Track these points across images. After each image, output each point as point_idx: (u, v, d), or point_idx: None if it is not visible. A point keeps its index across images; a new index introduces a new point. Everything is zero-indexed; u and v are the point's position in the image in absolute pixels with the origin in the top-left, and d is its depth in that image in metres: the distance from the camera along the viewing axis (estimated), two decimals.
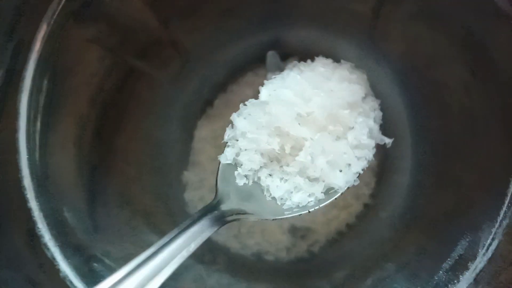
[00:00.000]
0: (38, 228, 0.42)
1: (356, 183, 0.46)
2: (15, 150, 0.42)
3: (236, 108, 0.69)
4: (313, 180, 0.45)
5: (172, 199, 0.65)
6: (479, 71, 0.46)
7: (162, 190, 0.64)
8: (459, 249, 0.42)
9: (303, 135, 0.44)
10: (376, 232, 0.61)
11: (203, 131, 0.70)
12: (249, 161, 0.45)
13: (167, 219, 0.60)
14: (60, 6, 0.44)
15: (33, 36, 0.43)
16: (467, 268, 0.40)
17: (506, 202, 0.39)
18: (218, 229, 0.40)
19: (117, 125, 0.56)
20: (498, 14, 0.41)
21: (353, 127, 0.47)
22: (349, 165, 0.45)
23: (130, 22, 0.54)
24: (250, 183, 0.45)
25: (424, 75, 0.57)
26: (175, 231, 0.38)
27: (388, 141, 0.50)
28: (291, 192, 0.45)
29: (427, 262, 0.46)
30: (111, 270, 0.45)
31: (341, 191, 0.46)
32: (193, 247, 0.37)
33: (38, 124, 0.44)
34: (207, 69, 0.68)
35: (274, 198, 0.45)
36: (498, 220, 0.39)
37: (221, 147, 0.67)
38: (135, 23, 0.55)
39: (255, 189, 0.46)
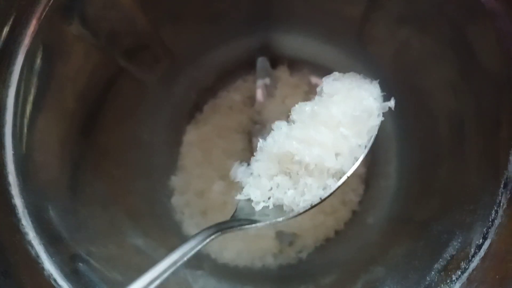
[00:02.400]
0: (22, 225, 0.41)
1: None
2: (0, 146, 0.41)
3: (224, 113, 0.69)
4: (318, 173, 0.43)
5: (158, 202, 0.64)
6: (467, 72, 0.47)
7: (148, 193, 0.63)
8: (451, 250, 0.42)
9: None
10: (364, 237, 0.61)
11: (191, 136, 0.69)
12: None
13: (152, 222, 0.59)
14: (50, 2, 0.43)
15: (22, 31, 0.42)
16: (459, 268, 0.39)
17: (498, 201, 0.39)
18: (219, 235, 0.40)
19: (104, 125, 0.55)
20: (484, 13, 0.41)
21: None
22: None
23: (119, 22, 0.53)
24: (271, 206, 0.44)
25: (411, 79, 0.57)
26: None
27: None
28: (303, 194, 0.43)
29: (417, 263, 0.45)
30: (95, 270, 0.44)
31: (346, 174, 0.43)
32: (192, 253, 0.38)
33: (25, 120, 0.43)
34: (196, 73, 0.68)
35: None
36: (490, 220, 0.39)
37: (210, 150, 0.67)
38: (124, 23, 0.54)
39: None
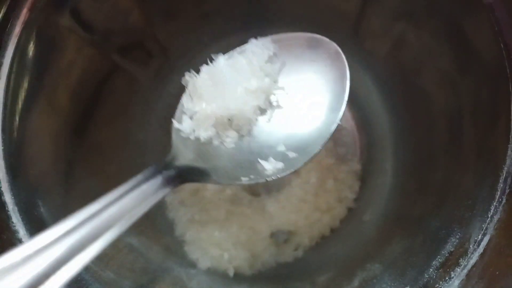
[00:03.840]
0: (12, 222, 0.40)
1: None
2: None
3: None
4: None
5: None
6: (464, 66, 0.46)
7: None
8: (449, 246, 0.41)
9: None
10: (360, 234, 0.60)
11: None
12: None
13: (145, 220, 0.58)
14: None
15: (13, 22, 0.41)
16: (458, 265, 0.39)
17: (497, 196, 0.39)
18: (171, 190, 0.37)
19: (97, 122, 0.55)
20: (481, 5, 0.41)
21: None
22: None
23: (112, 17, 0.53)
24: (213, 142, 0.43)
25: (408, 75, 0.57)
26: (123, 187, 0.34)
27: None
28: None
29: (415, 260, 0.45)
30: (88, 269, 0.43)
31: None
32: (142, 209, 0.33)
33: (16, 114, 0.42)
34: (189, 70, 0.67)
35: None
36: (489, 215, 0.39)
37: None
38: (117, 18, 0.54)
39: (213, 149, 0.44)
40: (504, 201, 0.38)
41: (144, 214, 0.33)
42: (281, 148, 0.43)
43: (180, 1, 0.59)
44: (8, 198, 0.40)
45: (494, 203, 0.39)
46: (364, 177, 0.66)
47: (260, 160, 0.42)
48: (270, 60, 0.46)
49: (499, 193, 0.39)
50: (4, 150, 0.41)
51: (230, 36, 0.67)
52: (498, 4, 0.40)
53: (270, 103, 0.46)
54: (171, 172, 0.38)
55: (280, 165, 0.41)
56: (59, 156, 0.49)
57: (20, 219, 0.40)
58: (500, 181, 0.39)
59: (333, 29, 0.62)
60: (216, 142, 0.43)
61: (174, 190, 0.65)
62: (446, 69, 0.49)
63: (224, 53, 0.67)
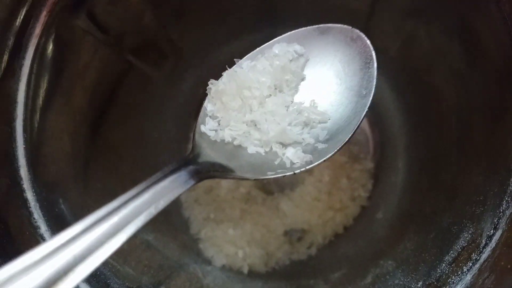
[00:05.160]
0: (34, 219, 0.41)
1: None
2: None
3: None
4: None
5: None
6: (473, 61, 0.46)
7: None
8: (462, 241, 0.42)
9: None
10: (374, 232, 0.60)
11: None
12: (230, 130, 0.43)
13: (161, 218, 0.59)
14: None
15: (33, 24, 0.42)
16: (471, 259, 0.39)
17: (508, 191, 0.39)
18: (193, 185, 0.36)
19: (113, 121, 0.56)
20: (489, 2, 0.41)
21: None
22: None
23: (127, 18, 0.54)
24: (236, 142, 0.42)
25: (419, 72, 0.57)
26: (143, 184, 0.34)
27: None
28: (284, 147, 0.42)
29: (427, 256, 0.45)
30: (106, 264, 0.44)
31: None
32: (162, 203, 0.33)
33: (36, 114, 0.44)
34: (203, 69, 0.68)
35: (260, 153, 0.42)
36: (501, 210, 0.39)
37: None
38: (132, 20, 0.55)
39: (236, 149, 0.43)
40: None
41: (165, 207, 0.33)
42: (310, 140, 0.42)
43: (193, 2, 0.59)
44: (30, 195, 0.42)
45: (506, 198, 0.39)
46: (377, 175, 0.66)
47: (287, 155, 0.41)
48: (293, 58, 0.46)
49: (510, 187, 0.39)
50: (26, 149, 0.42)
51: (242, 35, 0.68)
52: (506, 0, 0.40)
53: (294, 100, 0.45)
54: (191, 169, 0.37)
55: (308, 157, 0.41)
56: (77, 154, 0.50)
57: (41, 215, 0.42)
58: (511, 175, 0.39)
59: None
60: (240, 142, 0.43)
61: (189, 189, 0.66)
62: (455, 65, 0.49)
63: (238, 53, 0.68)
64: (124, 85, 0.57)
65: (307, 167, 0.40)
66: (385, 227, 0.59)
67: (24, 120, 0.42)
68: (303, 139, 0.42)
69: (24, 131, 0.42)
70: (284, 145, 0.42)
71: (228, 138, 0.43)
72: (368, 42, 0.44)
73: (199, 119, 0.44)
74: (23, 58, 0.42)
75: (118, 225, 0.30)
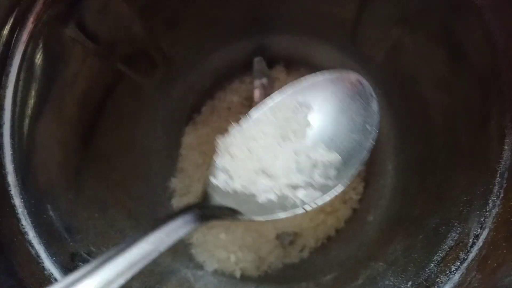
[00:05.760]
0: (22, 225, 0.41)
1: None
2: None
3: (222, 115, 0.70)
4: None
5: (158, 204, 0.64)
6: (457, 68, 0.47)
7: (148, 195, 0.63)
8: (449, 241, 0.42)
9: None
10: (365, 234, 0.61)
11: (190, 137, 0.69)
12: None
13: (153, 223, 0.59)
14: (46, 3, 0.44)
15: (20, 32, 0.42)
16: (458, 259, 0.40)
17: (494, 191, 0.39)
18: (199, 226, 0.38)
19: (104, 129, 0.56)
20: (471, 9, 0.42)
21: None
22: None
23: (116, 28, 0.54)
24: (247, 191, 0.44)
25: (405, 78, 0.58)
26: (150, 229, 0.35)
27: None
28: (294, 189, 0.44)
29: (416, 257, 0.45)
30: None
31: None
32: (165, 245, 0.34)
33: (24, 121, 0.44)
34: (193, 76, 0.68)
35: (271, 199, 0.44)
36: (487, 209, 0.39)
37: (209, 152, 0.67)
38: (121, 29, 0.55)
39: (247, 196, 0.45)
40: (501, 195, 0.39)
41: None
42: (320, 180, 0.44)
43: (182, 10, 0.60)
44: (17, 202, 0.42)
45: (492, 197, 0.39)
46: (368, 179, 0.67)
47: (299, 195, 0.43)
48: (296, 109, 0.48)
49: (496, 187, 0.39)
50: (13, 155, 0.42)
51: (232, 43, 0.68)
52: (487, 7, 0.41)
53: (301, 145, 0.47)
54: (203, 211, 0.39)
55: (317, 194, 0.43)
56: (67, 162, 0.50)
57: (29, 222, 0.42)
58: (497, 175, 0.40)
59: (332, 35, 0.64)
60: (251, 190, 0.44)
61: (181, 194, 0.66)
62: (440, 72, 0.50)
63: (228, 60, 0.69)
64: (115, 94, 0.57)
65: (319, 204, 0.43)
66: (376, 230, 0.60)
67: (12, 127, 0.42)
68: (313, 179, 0.44)
69: (11, 138, 0.42)
70: (295, 187, 0.44)
71: (239, 188, 0.45)
72: (366, 82, 0.47)
73: (210, 172, 0.47)
74: (10, 65, 0.42)
75: (130, 264, 0.32)
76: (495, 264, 0.36)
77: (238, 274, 0.61)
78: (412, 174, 0.59)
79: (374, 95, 0.46)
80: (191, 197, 0.66)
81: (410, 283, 0.43)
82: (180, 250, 0.61)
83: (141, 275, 0.50)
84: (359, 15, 0.57)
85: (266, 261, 0.63)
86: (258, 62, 0.67)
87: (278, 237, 0.65)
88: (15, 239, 0.40)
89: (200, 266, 0.60)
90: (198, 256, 0.62)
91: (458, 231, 0.42)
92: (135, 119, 0.63)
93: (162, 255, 0.55)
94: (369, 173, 0.67)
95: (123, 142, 0.61)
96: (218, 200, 0.44)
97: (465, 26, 0.45)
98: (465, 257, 0.39)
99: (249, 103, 0.69)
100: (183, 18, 0.61)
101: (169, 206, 0.65)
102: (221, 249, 0.62)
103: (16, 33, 0.42)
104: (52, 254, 0.41)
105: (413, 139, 0.60)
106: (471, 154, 0.46)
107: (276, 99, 0.49)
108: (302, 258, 0.64)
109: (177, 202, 0.66)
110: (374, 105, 0.46)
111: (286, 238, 0.65)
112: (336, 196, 0.65)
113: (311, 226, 0.65)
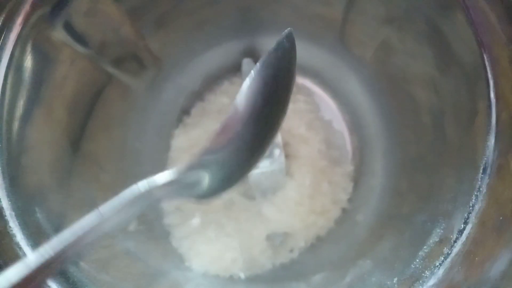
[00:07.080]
0: (10, 227, 0.41)
1: None
2: None
3: (212, 117, 0.70)
4: None
5: (148, 207, 0.64)
6: (444, 66, 0.48)
7: None
8: (434, 237, 0.42)
9: None
10: (354, 234, 0.61)
11: (179, 140, 0.69)
12: None
13: (142, 225, 0.60)
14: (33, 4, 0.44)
15: (6, 34, 0.43)
16: (443, 254, 0.40)
17: (477, 187, 0.40)
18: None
19: (93, 132, 0.56)
20: (457, 6, 0.42)
21: None
22: None
23: (105, 30, 0.54)
24: None
25: (394, 77, 0.58)
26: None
27: None
28: None
29: (403, 254, 0.46)
30: (84, 271, 0.44)
31: None
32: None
33: (12, 123, 0.44)
34: (183, 78, 0.69)
35: None
36: (471, 205, 0.40)
37: None
38: (110, 31, 0.55)
39: None
40: (484, 190, 0.40)
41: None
42: None
43: (171, 12, 0.60)
44: (5, 203, 0.42)
45: (475, 193, 0.40)
46: (357, 178, 0.67)
47: None
48: None
49: (479, 183, 0.40)
50: (0, 157, 0.42)
51: (221, 45, 0.69)
52: (473, 5, 0.42)
53: None
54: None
55: None
56: (57, 165, 0.50)
57: (17, 224, 0.42)
58: (480, 172, 0.40)
59: (321, 35, 0.65)
60: None
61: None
62: (428, 71, 0.51)
63: (217, 61, 0.69)
64: (104, 96, 0.57)
65: None
66: (365, 229, 0.60)
67: None
68: None
69: None
70: None
71: None
72: None
73: None
74: None
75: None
76: (478, 259, 0.36)
77: (228, 274, 0.61)
78: (401, 174, 0.59)
79: None
80: (181, 200, 0.66)
81: (396, 279, 0.43)
82: (170, 251, 0.61)
83: (130, 276, 0.50)
84: (346, 15, 0.58)
85: (257, 262, 0.63)
86: (247, 64, 0.67)
87: (268, 237, 0.65)
88: (2, 241, 0.40)
89: (190, 268, 0.60)
90: (188, 257, 0.62)
91: (442, 227, 0.42)
92: (125, 121, 0.63)
93: (152, 256, 0.57)
94: (358, 172, 0.68)
95: (113, 144, 0.61)
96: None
97: (451, 25, 0.45)
98: (449, 252, 0.40)
99: None
100: (172, 20, 0.61)
101: (159, 209, 0.65)
102: (211, 250, 0.63)
103: (3, 35, 0.42)
104: None
105: (402, 138, 0.60)
106: (457, 152, 0.46)
107: None
108: (292, 258, 0.64)
109: (167, 205, 0.66)
110: None
111: (277, 238, 0.66)
112: (326, 197, 0.66)
113: (302, 227, 0.65)
